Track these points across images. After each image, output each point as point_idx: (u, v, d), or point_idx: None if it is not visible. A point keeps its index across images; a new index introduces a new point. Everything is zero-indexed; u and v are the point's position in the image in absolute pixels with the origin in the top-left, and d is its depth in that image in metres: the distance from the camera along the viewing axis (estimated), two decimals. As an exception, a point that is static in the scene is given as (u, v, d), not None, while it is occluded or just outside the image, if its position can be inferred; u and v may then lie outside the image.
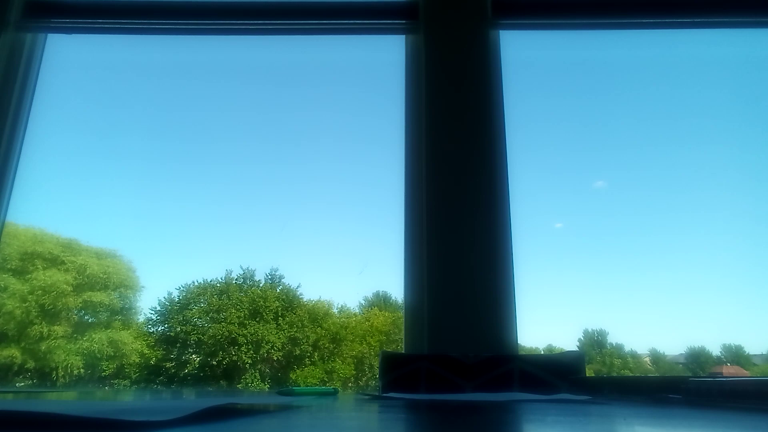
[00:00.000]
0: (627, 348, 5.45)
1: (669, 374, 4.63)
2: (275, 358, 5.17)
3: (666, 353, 5.33)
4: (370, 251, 7.23)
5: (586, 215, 5.42)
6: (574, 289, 5.51)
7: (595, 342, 5.50)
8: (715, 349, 5.10)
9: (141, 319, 5.29)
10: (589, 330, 5.53)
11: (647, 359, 5.36)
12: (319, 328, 5.36)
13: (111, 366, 4.93)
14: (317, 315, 5.46)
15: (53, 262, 4.81)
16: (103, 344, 4.87)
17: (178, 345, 5.17)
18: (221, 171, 6.18)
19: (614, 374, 5.07)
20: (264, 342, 5.10)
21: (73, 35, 1.80)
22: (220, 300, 5.29)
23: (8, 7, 1.65)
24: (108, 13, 1.71)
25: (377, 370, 1.21)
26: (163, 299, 5.33)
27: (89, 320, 5.11)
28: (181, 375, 5.07)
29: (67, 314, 4.89)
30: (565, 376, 1.12)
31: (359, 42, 2.03)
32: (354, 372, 5.27)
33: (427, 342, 1.34)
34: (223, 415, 0.44)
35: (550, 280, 4.93)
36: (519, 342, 1.34)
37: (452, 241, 1.40)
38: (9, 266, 4.57)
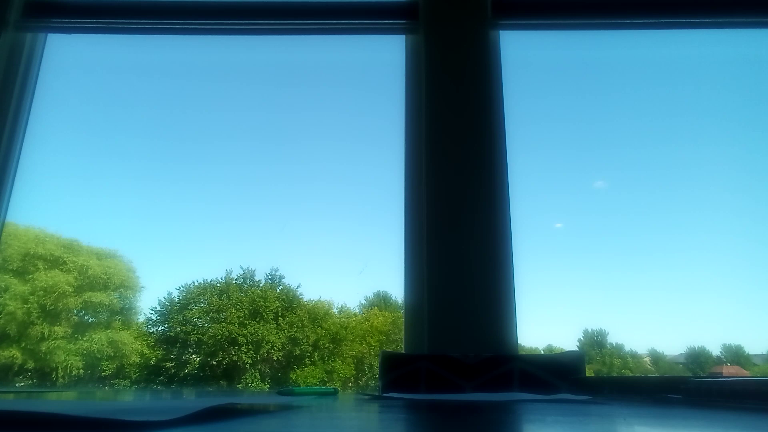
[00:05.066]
0: (627, 348, 5.45)
1: (669, 374, 4.63)
2: (275, 358, 5.17)
3: (666, 353, 5.33)
4: (370, 251, 7.24)
5: (586, 215, 5.43)
6: (574, 289, 5.52)
7: (595, 342, 5.50)
8: (715, 349, 5.10)
9: (141, 319, 5.29)
10: (589, 330, 5.53)
11: (647, 359, 5.36)
12: (319, 328, 5.36)
13: (111, 366, 4.93)
14: (317, 315, 5.46)
15: (55, 263, 4.81)
16: (103, 344, 4.87)
17: (178, 345, 5.17)
18: (221, 171, 6.19)
19: (614, 374, 5.06)
20: (264, 342, 5.10)
21: (73, 35, 1.80)
22: (220, 300, 5.29)
23: (8, 7, 1.65)
24: (108, 13, 1.71)
25: (377, 370, 1.21)
26: (163, 299, 5.34)
27: (89, 320, 5.11)
28: (181, 375, 5.07)
29: (68, 315, 4.89)
30: (565, 376, 1.12)
31: (359, 42, 2.03)
32: (354, 372, 5.27)
33: (427, 342, 1.34)
34: (223, 415, 0.44)
35: (550, 280, 4.93)
36: (519, 342, 1.34)
37: (452, 241, 1.40)
38: (10, 267, 4.58)
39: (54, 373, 4.71)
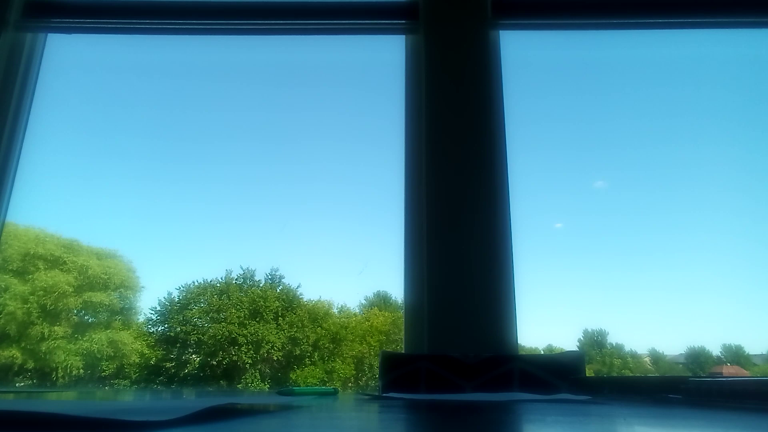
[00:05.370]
0: (627, 348, 5.45)
1: (669, 374, 4.63)
2: (275, 358, 5.17)
3: (666, 353, 5.33)
4: (370, 251, 7.24)
5: (586, 215, 5.43)
6: (574, 289, 5.52)
7: (595, 342, 5.50)
8: (715, 349, 5.10)
9: (141, 319, 5.29)
10: (589, 330, 5.53)
11: (647, 359, 5.36)
12: (319, 328, 5.36)
13: (111, 366, 4.93)
14: (317, 315, 5.46)
15: (55, 263, 4.81)
16: (103, 344, 4.87)
17: (178, 345, 5.17)
18: (221, 171, 6.19)
19: (614, 374, 5.06)
20: (264, 342, 5.10)
21: (73, 35, 1.80)
22: (220, 300, 5.29)
23: (8, 6, 1.65)
24: (108, 13, 1.71)
25: (377, 370, 1.21)
26: (163, 299, 5.34)
27: (89, 320, 5.11)
28: (181, 375, 5.08)
29: (68, 315, 4.89)
30: (565, 376, 1.12)
31: (359, 42, 2.03)
32: (354, 372, 5.27)
33: (427, 342, 1.34)
34: (223, 415, 0.44)
35: (550, 280, 4.94)
36: (519, 342, 1.34)
37: (452, 241, 1.40)
38: (10, 267, 4.57)
39: (54, 373, 4.71)
